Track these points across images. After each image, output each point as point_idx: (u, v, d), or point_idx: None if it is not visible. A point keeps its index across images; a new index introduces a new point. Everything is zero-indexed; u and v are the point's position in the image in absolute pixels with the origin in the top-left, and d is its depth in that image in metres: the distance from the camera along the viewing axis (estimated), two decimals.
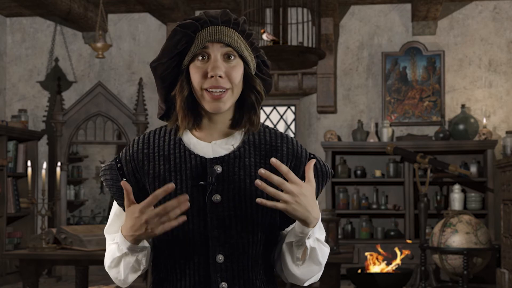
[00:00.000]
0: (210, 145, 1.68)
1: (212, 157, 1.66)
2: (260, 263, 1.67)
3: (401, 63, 7.84)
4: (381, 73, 7.89)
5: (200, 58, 1.63)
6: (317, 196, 1.70)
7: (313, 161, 1.58)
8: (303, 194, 1.53)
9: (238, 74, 1.64)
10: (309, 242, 1.61)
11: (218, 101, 1.62)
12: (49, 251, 4.52)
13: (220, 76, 1.61)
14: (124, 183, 1.55)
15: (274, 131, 1.74)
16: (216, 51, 1.63)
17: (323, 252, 1.67)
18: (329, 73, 7.78)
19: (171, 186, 1.49)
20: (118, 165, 1.70)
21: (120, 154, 1.73)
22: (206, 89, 1.62)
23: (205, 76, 1.62)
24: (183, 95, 1.65)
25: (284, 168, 1.52)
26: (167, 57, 1.65)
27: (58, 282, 7.62)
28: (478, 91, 7.75)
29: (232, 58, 1.64)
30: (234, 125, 1.69)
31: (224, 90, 1.62)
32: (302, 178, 1.66)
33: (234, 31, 1.66)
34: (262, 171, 1.50)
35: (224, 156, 1.66)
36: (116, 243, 1.65)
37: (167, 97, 1.70)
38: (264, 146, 1.70)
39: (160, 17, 7.81)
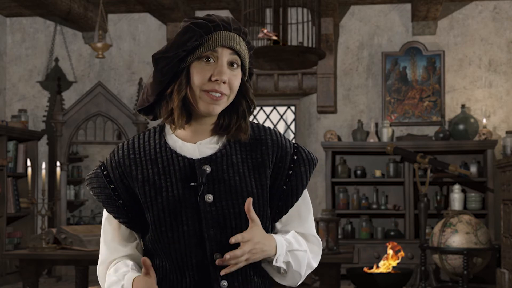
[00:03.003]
0: (195, 145, 1.70)
1: (199, 157, 1.67)
2: None
3: (401, 63, 7.84)
4: (381, 73, 7.89)
5: (206, 60, 1.64)
6: (305, 187, 1.74)
7: (250, 200, 1.61)
8: (256, 243, 1.60)
9: (237, 83, 1.67)
10: (280, 263, 1.67)
11: (214, 103, 1.64)
12: (49, 251, 4.52)
13: (224, 82, 1.63)
14: (144, 259, 1.58)
15: (256, 125, 1.76)
16: (224, 57, 1.65)
17: (299, 260, 1.71)
18: (329, 73, 7.78)
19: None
20: (104, 172, 1.71)
21: (105, 161, 1.74)
22: (205, 91, 1.64)
23: (208, 78, 1.63)
24: (181, 95, 1.65)
25: (235, 239, 1.59)
26: (173, 52, 1.64)
27: (58, 282, 7.62)
28: (478, 91, 7.75)
29: (235, 66, 1.66)
30: (220, 129, 1.71)
31: (222, 94, 1.64)
32: (289, 168, 1.72)
33: (242, 40, 1.69)
34: (220, 262, 1.58)
35: (212, 155, 1.68)
36: (121, 281, 1.67)
37: (160, 91, 1.68)
38: (249, 141, 1.72)
39: (160, 17, 7.81)
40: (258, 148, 1.71)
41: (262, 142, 1.71)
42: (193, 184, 1.64)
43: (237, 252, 1.57)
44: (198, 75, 1.64)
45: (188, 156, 1.68)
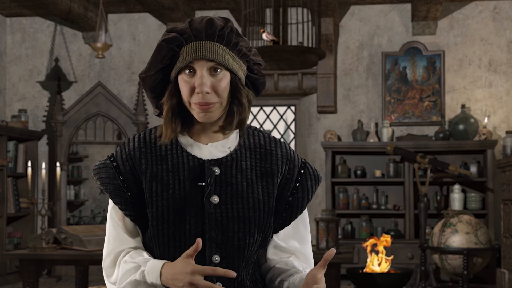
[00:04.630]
0: (207, 147, 1.71)
1: (209, 158, 1.68)
2: (250, 262, 1.71)
3: (401, 63, 7.84)
4: (381, 73, 7.89)
5: (187, 71, 1.65)
6: (309, 201, 1.76)
7: (334, 251, 1.58)
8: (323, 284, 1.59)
9: (223, 86, 1.65)
10: None
11: (206, 112, 1.64)
12: (49, 251, 4.52)
13: (207, 92, 1.63)
14: (198, 240, 1.53)
15: (267, 135, 1.78)
16: (201, 67, 1.64)
17: None
18: (329, 73, 7.78)
19: (233, 274, 1.52)
20: (114, 163, 1.70)
21: (114, 153, 1.73)
22: (194, 103, 1.65)
23: (192, 90, 1.64)
24: (171, 103, 1.67)
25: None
26: (153, 71, 1.68)
27: (58, 282, 7.62)
28: (478, 91, 7.75)
29: (218, 71, 1.65)
30: (220, 130, 1.72)
31: (210, 104, 1.64)
32: (296, 180, 1.74)
33: (218, 44, 1.66)
34: None
35: (222, 158, 1.69)
36: (140, 267, 1.62)
37: (158, 105, 1.72)
38: (259, 150, 1.73)
39: (160, 17, 7.81)
40: (268, 158, 1.72)
41: (273, 153, 1.73)
42: (201, 184, 1.65)
43: None
44: (184, 88, 1.66)
45: (199, 156, 1.69)
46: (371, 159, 7.81)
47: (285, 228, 1.74)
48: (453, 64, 7.80)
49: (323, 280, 1.57)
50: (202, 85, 1.62)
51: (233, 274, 1.52)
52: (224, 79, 1.66)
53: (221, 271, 1.52)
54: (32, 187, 7.13)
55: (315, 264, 1.75)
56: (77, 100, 7.84)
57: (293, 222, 1.74)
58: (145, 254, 1.67)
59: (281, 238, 1.75)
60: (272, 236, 1.74)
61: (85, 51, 8.32)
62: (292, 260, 1.75)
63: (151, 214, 1.65)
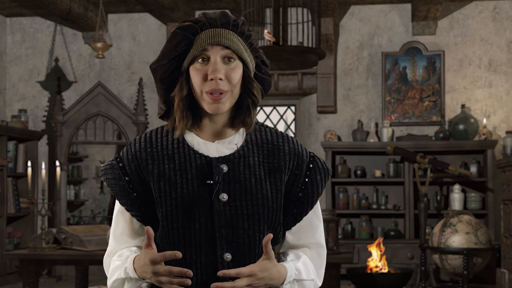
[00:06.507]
0: (213, 144, 1.70)
1: (217, 156, 1.67)
2: None
3: (401, 63, 7.84)
4: (381, 73, 7.89)
5: (200, 60, 1.64)
6: (320, 195, 1.76)
7: (270, 236, 1.59)
8: (262, 271, 1.59)
9: (237, 75, 1.66)
10: None
11: (217, 102, 1.63)
12: (49, 251, 4.53)
13: (220, 79, 1.62)
14: (147, 228, 1.56)
15: (274, 131, 1.76)
16: (216, 54, 1.64)
17: None
18: (329, 73, 7.78)
19: (178, 254, 1.53)
20: (120, 164, 1.70)
21: (121, 153, 1.73)
22: (206, 92, 1.64)
23: (205, 78, 1.64)
24: (181, 94, 1.66)
25: (232, 272, 1.57)
26: (166, 59, 1.67)
27: (58, 282, 7.62)
28: (478, 91, 7.75)
29: (231, 60, 1.65)
30: (230, 124, 1.71)
31: (223, 92, 1.63)
32: (305, 176, 1.73)
33: (233, 33, 1.67)
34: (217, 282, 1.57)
35: (229, 155, 1.68)
36: (124, 264, 1.65)
37: (167, 99, 1.71)
38: (266, 146, 1.72)
39: (160, 17, 7.81)
40: (275, 154, 1.71)
41: (280, 149, 1.72)
42: (209, 182, 1.64)
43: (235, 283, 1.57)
44: (196, 76, 1.64)
45: (206, 154, 1.68)
46: (371, 159, 7.81)
47: (299, 223, 1.73)
48: (453, 64, 7.80)
49: (259, 266, 1.58)
50: (216, 71, 1.62)
51: (189, 273, 1.52)
52: (238, 69, 1.66)
53: (169, 253, 1.53)
54: (32, 187, 7.13)
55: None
56: (77, 100, 7.84)
57: (306, 216, 1.74)
58: (134, 249, 1.69)
59: (295, 234, 1.74)
60: (282, 234, 1.73)
61: (85, 51, 8.32)
62: (303, 251, 1.75)
63: (161, 214, 1.65)
